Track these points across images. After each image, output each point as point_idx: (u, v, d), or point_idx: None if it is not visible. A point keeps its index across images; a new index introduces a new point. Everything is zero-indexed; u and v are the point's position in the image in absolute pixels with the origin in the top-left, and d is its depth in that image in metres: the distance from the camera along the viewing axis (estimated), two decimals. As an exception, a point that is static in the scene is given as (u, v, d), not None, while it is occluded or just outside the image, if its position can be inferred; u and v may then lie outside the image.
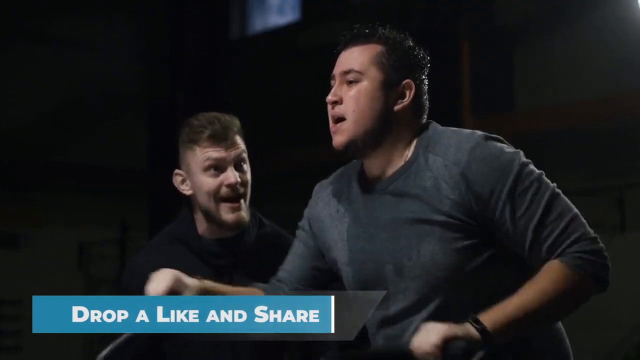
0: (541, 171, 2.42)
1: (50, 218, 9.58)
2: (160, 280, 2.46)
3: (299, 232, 2.72)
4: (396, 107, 2.47)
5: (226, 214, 2.94)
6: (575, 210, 2.41)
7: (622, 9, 7.13)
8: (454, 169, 2.37)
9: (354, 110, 2.45)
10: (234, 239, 2.98)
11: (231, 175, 2.91)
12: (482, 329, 2.23)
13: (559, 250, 2.34)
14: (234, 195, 2.92)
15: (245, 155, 2.98)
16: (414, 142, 2.48)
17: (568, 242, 2.34)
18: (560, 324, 2.50)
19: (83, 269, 9.73)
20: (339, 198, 2.60)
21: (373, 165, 2.50)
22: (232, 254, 2.98)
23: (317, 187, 2.71)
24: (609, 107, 7.33)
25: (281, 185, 9.45)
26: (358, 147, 2.47)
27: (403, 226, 2.42)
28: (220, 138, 2.91)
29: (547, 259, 2.35)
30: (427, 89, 2.56)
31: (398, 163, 2.47)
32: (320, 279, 2.66)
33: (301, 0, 9.97)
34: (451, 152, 2.40)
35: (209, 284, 2.55)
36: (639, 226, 7.45)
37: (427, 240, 2.39)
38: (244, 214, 2.96)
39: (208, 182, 2.93)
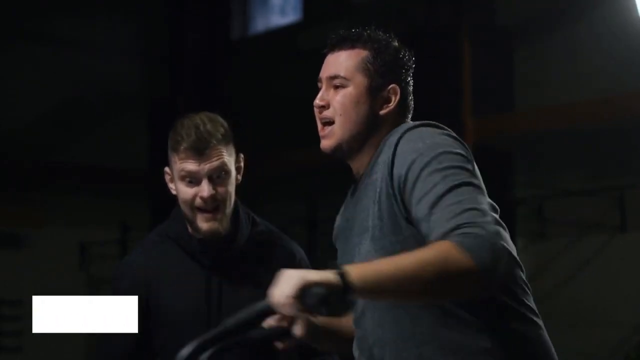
0: (471, 167, 2.35)
1: (51, 218, 9.58)
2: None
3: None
4: (382, 112, 2.51)
5: (201, 223, 2.95)
6: (482, 204, 2.26)
7: (622, 10, 7.13)
8: (388, 159, 2.39)
9: (340, 115, 2.49)
10: (226, 238, 2.98)
11: (205, 189, 2.90)
12: (342, 274, 2.12)
13: (447, 229, 2.20)
14: (208, 207, 2.92)
15: (226, 166, 2.92)
16: (382, 140, 2.51)
17: (460, 223, 2.20)
18: (539, 323, 2.42)
19: (84, 269, 9.73)
20: (345, 206, 2.65)
21: (356, 166, 2.55)
22: (223, 253, 2.98)
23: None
24: (609, 108, 7.33)
25: (282, 185, 9.46)
26: (344, 151, 2.51)
27: (357, 225, 2.47)
28: (196, 151, 2.89)
29: (437, 236, 2.22)
30: (413, 89, 2.58)
31: (368, 162, 2.52)
32: None
33: (303, 1, 9.97)
34: (392, 142, 2.41)
35: (326, 321, 2.55)
36: (640, 226, 7.47)
37: (364, 239, 2.42)
38: (218, 224, 2.94)
39: (185, 191, 2.93)
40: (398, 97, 2.52)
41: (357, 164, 2.54)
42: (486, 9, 8.18)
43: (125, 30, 10.20)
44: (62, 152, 9.78)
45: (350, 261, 2.41)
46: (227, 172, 2.94)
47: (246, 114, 9.95)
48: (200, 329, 2.86)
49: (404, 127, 2.45)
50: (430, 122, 2.45)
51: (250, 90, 9.99)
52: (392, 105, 2.51)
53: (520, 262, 2.42)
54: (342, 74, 2.50)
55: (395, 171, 2.36)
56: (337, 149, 2.51)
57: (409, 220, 2.34)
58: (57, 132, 9.75)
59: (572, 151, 7.70)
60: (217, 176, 2.91)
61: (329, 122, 2.52)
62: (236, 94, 10.03)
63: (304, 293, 2.11)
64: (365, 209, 2.44)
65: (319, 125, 2.55)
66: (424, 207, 2.27)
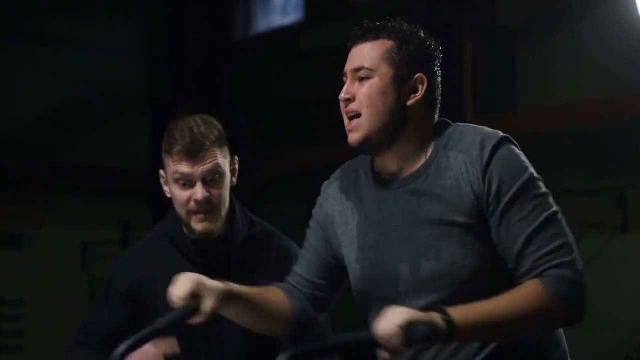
0: (548, 191, 2.42)
1: (52, 218, 9.58)
2: (182, 284, 2.44)
3: (308, 231, 2.71)
4: (409, 102, 2.46)
5: (195, 224, 2.94)
6: (572, 239, 2.37)
7: (623, 10, 7.12)
8: (476, 166, 2.37)
9: (367, 107, 2.44)
10: (221, 238, 2.98)
11: (198, 192, 2.89)
12: (447, 321, 2.19)
13: (542, 268, 2.31)
14: (202, 210, 2.91)
15: (220, 168, 2.91)
16: (433, 140, 2.47)
17: (554, 262, 2.32)
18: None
19: (86, 269, 9.73)
20: (347, 195, 2.59)
21: (388, 162, 2.49)
22: (219, 253, 2.98)
23: (324, 185, 2.69)
24: (610, 108, 7.33)
25: (283, 185, 9.46)
26: (373, 144, 2.46)
27: (422, 226, 2.41)
28: (190, 153, 2.88)
29: (527, 273, 2.33)
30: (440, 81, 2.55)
31: (416, 160, 2.46)
32: (337, 274, 2.65)
33: (304, 1, 9.97)
34: (475, 149, 2.39)
35: (234, 287, 2.52)
36: (641, 226, 7.47)
37: (448, 241, 2.37)
38: (212, 225, 2.94)
39: (179, 193, 2.93)
40: (425, 86, 2.47)
41: (389, 159, 2.48)
42: (487, 9, 8.18)
43: (125, 30, 10.20)
44: (63, 152, 9.78)
45: (416, 261, 2.40)
46: (221, 175, 2.92)
47: (247, 113, 9.95)
48: (195, 329, 2.88)
49: (491, 136, 2.42)
50: (509, 137, 2.45)
51: (251, 90, 9.99)
52: (419, 95, 2.47)
53: None
54: (366, 65, 2.46)
55: (488, 187, 2.36)
56: (366, 141, 2.45)
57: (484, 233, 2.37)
58: (57, 132, 9.75)
59: (573, 151, 7.70)
60: (211, 179, 2.90)
61: (355, 116, 2.46)
62: (237, 94, 10.03)
63: (410, 328, 2.16)
64: (438, 212, 2.39)
65: (345, 120, 2.49)
66: (517, 235, 2.33)
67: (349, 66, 2.50)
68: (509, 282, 2.36)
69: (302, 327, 2.65)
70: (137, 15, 10.30)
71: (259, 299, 2.58)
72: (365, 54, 2.47)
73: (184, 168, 2.89)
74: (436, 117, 2.52)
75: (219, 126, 2.96)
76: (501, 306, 2.26)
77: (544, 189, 2.40)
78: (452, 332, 2.19)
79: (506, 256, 2.35)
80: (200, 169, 2.89)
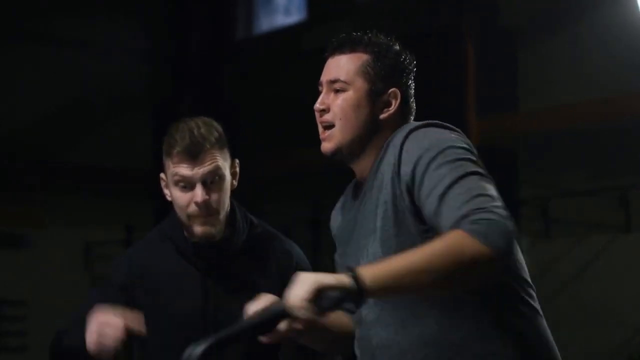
0: (475, 158, 2.36)
1: (55, 219, 9.59)
2: (263, 300, 2.44)
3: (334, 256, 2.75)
4: (382, 116, 2.51)
5: (196, 227, 2.93)
6: (491, 191, 2.27)
7: (625, 10, 7.13)
8: (395, 158, 2.40)
9: (340, 119, 2.50)
10: (222, 240, 2.98)
11: (198, 194, 2.88)
12: (355, 277, 2.14)
13: (458, 216, 2.21)
14: (201, 213, 2.91)
15: (220, 170, 2.91)
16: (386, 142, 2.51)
17: (468, 209, 2.21)
18: (546, 332, 2.43)
19: (88, 269, 9.74)
20: (342, 209, 2.66)
21: (359, 169, 2.55)
22: (219, 255, 2.98)
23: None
24: (612, 108, 7.33)
25: (286, 185, 9.46)
26: (344, 154, 2.52)
27: (363, 227, 2.47)
28: (190, 155, 2.87)
29: (447, 226, 2.24)
30: (414, 92, 2.58)
31: (372, 164, 2.51)
32: None
33: (307, 1, 9.97)
34: (397, 142, 2.42)
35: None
36: (643, 227, 7.46)
37: (372, 239, 2.42)
38: (213, 228, 2.93)
39: (179, 196, 2.92)
40: (399, 101, 2.52)
41: (360, 167, 2.54)
42: (488, 10, 8.18)
43: (129, 30, 10.21)
44: (65, 152, 9.79)
45: (357, 263, 2.38)
46: (221, 177, 2.92)
47: (249, 113, 9.95)
48: (195, 331, 2.88)
49: (407, 127, 2.45)
50: (434, 121, 2.46)
51: (253, 90, 9.99)
52: (392, 109, 2.51)
53: (524, 262, 2.44)
54: (342, 77, 2.51)
55: (403, 170, 2.36)
56: (337, 152, 2.51)
57: (420, 218, 2.35)
58: (59, 133, 9.76)
59: (576, 151, 7.70)
60: (211, 181, 2.90)
61: (330, 126, 2.52)
62: (239, 93, 10.03)
63: (319, 296, 2.13)
64: (372, 211, 2.44)
65: (320, 128, 2.55)
66: (433, 200, 2.28)
67: (325, 77, 2.54)
68: None
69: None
70: (139, 15, 10.31)
71: (337, 324, 2.60)
72: (342, 67, 2.52)
73: (184, 170, 2.88)
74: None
75: (219, 128, 2.96)
76: (415, 253, 2.19)
77: (466, 156, 2.35)
78: (363, 288, 2.13)
79: (429, 222, 2.31)
80: (200, 170, 2.88)
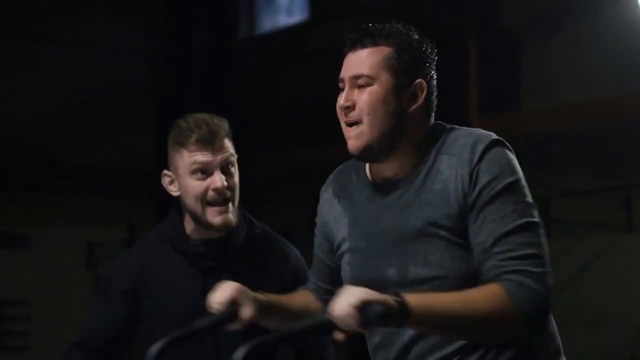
0: (534, 203, 2.39)
1: (57, 218, 9.60)
2: (223, 290, 2.45)
3: (314, 239, 2.71)
4: (410, 109, 2.44)
5: (213, 217, 2.92)
6: (545, 252, 2.30)
7: (627, 10, 7.13)
8: (465, 167, 2.36)
9: (368, 114, 2.41)
10: (221, 240, 2.97)
11: (218, 180, 2.89)
12: (401, 303, 2.15)
13: (506, 269, 2.25)
14: (220, 199, 2.90)
15: (233, 158, 2.94)
16: (428, 143, 2.46)
17: (520, 268, 2.25)
18: (552, 320, 2.45)
19: (90, 269, 9.75)
20: (339, 197, 2.58)
21: (385, 168, 2.47)
22: (219, 255, 2.97)
23: (321, 191, 2.68)
24: (615, 108, 7.33)
25: (287, 185, 9.46)
26: (374, 151, 2.43)
27: (410, 230, 2.40)
28: (208, 142, 2.89)
29: (490, 271, 2.28)
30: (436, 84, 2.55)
31: (410, 164, 2.45)
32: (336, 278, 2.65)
33: (309, 1, 9.98)
34: (466, 151, 2.37)
35: (273, 298, 2.53)
36: (646, 226, 7.46)
37: (435, 245, 2.36)
38: (231, 216, 2.94)
39: (195, 185, 2.91)
40: (425, 92, 2.45)
41: (390, 165, 2.46)
42: (491, 10, 8.19)
43: (131, 31, 10.22)
44: (67, 153, 9.80)
45: (404, 264, 2.39)
46: (234, 165, 2.94)
47: (252, 113, 9.95)
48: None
49: (481, 136, 2.42)
50: (500, 139, 2.43)
51: (256, 89, 9.99)
52: (419, 101, 2.44)
53: None
54: (366, 72, 2.41)
55: (475, 179, 2.34)
56: (367, 149, 2.42)
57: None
58: (61, 133, 9.77)
59: (578, 151, 7.70)
60: (227, 168, 2.92)
61: (356, 123, 2.43)
62: (242, 93, 10.04)
63: (364, 309, 2.14)
64: (429, 212, 2.38)
65: (344, 127, 2.46)
66: (489, 233, 2.29)
67: (347, 73, 2.46)
68: None
69: None
70: (140, 15, 10.32)
71: (296, 305, 2.60)
72: (364, 61, 2.43)
73: (203, 157, 2.89)
74: (432, 120, 2.51)
75: (226, 120, 2.98)
76: (456, 300, 2.22)
77: (528, 198, 2.37)
78: (405, 314, 2.15)
79: (475, 254, 2.32)
80: (219, 156, 2.90)
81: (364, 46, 2.45)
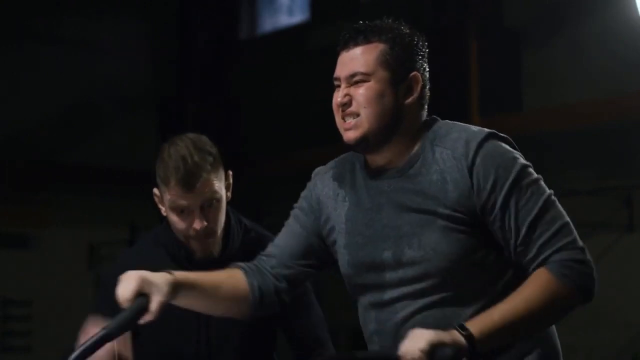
0: (540, 175, 2.47)
1: (59, 219, 9.60)
2: (126, 284, 2.42)
3: (294, 212, 2.73)
4: (406, 102, 2.49)
5: (194, 247, 2.95)
6: (568, 219, 2.43)
7: (628, 10, 7.13)
8: (461, 162, 2.41)
9: (365, 107, 2.46)
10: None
11: (197, 222, 2.89)
12: (468, 336, 2.26)
13: (547, 252, 2.37)
14: (200, 236, 2.92)
15: (217, 194, 2.90)
16: (421, 135, 2.51)
17: (558, 245, 2.38)
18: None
19: (92, 269, 9.75)
20: (340, 182, 2.62)
21: (379, 157, 2.53)
22: (214, 262, 2.96)
23: (315, 171, 2.73)
24: (616, 107, 7.33)
25: (288, 185, 9.46)
26: (370, 143, 2.48)
27: (406, 215, 2.45)
28: (186, 186, 2.86)
29: (534, 259, 2.39)
30: (431, 81, 2.58)
31: (405, 154, 2.50)
32: (313, 259, 2.67)
33: (310, 1, 9.98)
34: (460, 145, 2.43)
35: (180, 276, 2.51)
36: (647, 226, 7.46)
37: (431, 229, 2.41)
38: (212, 248, 2.96)
39: (176, 221, 2.93)
40: (420, 85, 2.50)
41: (384, 155, 2.51)
42: (493, 10, 8.19)
43: (132, 31, 10.22)
44: (70, 153, 9.80)
45: (400, 248, 2.44)
46: (219, 200, 2.92)
47: (254, 113, 9.96)
48: (190, 337, 2.89)
49: (474, 132, 2.47)
50: (492, 131, 2.50)
51: (257, 89, 9.99)
52: (415, 93, 2.50)
53: None
54: (362, 70, 2.47)
55: (479, 181, 2.40)
56: (363, 140, 2.47)
57: (480, 225, 2.42)
58: (64, 133, 9.77)
59: (578, 151, 7.70)
60: (209, 205, 2.90)
61: (353, 115, 2.48)
62: (244, 93, 10.03)
63: (433, 352, 2.23)
64: (425, 199, 2.43)
65: (340, 120, 2.51)
66: (521, 223, 2.38)
67: (343, 72, 2.50)
68: (491, 273, 2.43)
69: (263, 306, 2.63)
70: (143, 15, 10.32)
71: (210, 283, 2.59)
72: (359, 59, 2.48)
73: (181, 200, 2.88)
74: (425, 112, 2.56)
75: (212, 148, 2.93)
76: (517, 306, 2.33)
77: (535, 175, 2.47)
78: (474, 347, 2.26)
79: (510, 247, 2.41)
80: (199, 199, 2.88)
81: (357, 44, 2.50)
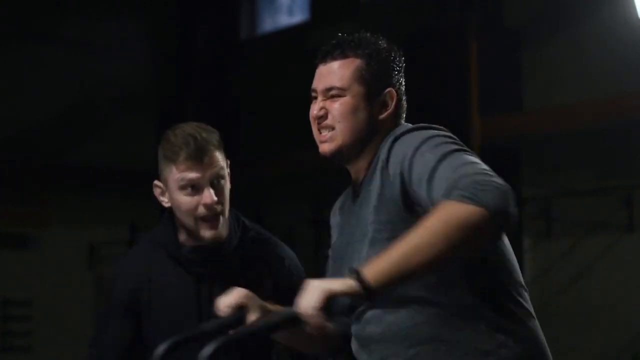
0: (458, 142, 2.36)
1: (60, 219, 9.61)
2: (233, 295, 2.50)
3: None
4: (380, 117, 2.52)
5: (204, 231, 2.94)
6: (474, 161, 2.27)
7: (628, 11, 7.13)
8: (383, 160, 2.42)
9: (339, 122, 2.50)
10: (214, 247, 2.98)
11: (207, 196, 2.89)
12: (360, 279, 2.16)
13: (444, 191, 2.21)
14: (211, 214, 2.91)
15: (223, 171, 2.93)
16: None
17: (452, 181, 2.20)
18: (539, 333, 2.44)
19: (93, 269, 9.75)
20: (341, 210, 2.66)
21: (354, 170, 2.56)
22: (212, 261, 2.98)
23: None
24: (617, 107, 7.33)
25: (289, 185, 9.47)
26: (344, 155, 2.52)
27: (357, 231, 2.47)
28: (196, 159, 2.88)
29: (439, 196, 2.23)
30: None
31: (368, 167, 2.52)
32: None
33: (311, 1, 9.98)
34: (386, 144, 2.44)
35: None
36: (647, 226, 7.46)
37: (364, 244, 2.43)
38: (222, 230, 2.95)
39: (185, 201, 2.92)
40: (395, 100, 2.53)
41: (355, 168, 2.55)
42: (493, 10, 8.19)
43: (133, 31, 10.23)
44: (71, 153, 9.81)
45: (350, 266, 2.36)
46: (224, 178, 2.94)
47: (254, 113, 9.96)
48: (189, 314, 2.90)
49: (398, 130, 2.47)
50: (425, 124, 2.46)
51: (258, 90, 10.00)
52: (390, 109, 2.53)
53: (517, 264, 2.46)
54: (338, 84, 2.51)
55: (391, 171, 2.37)
56: (338, 152, 2.51)
57: (417, 209, 2.33)
58: (65, 133, 9.78)
59: (579, 151, 7.70)
60: (217, 182, 2.91)
61: (328, 128, 2.52)
62: (244, 93, 10.04)
63: (329, 302, 2.18)
64: (366, 215, 2.44)
65: (316, 132, 2.55)
66: (423, 184, 2.28)
67: (319, 85, 2.54)
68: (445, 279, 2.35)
69: (345, 340, 2.62)
70: (146, 15, 10.33)
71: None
72: (335, 73, 2.52)
73: (192, 174, 2.89)
74: (402, 122, 2.57)
75: (216, 131, 2.97)
76: (409, 235, 2.19)
77: (443, 140, 2.34)
78: (369, 288, 2.17)
79: (421, 199, 2.30)
80: (208, 172, 2.89)
81: (334, 58, 2.54)
